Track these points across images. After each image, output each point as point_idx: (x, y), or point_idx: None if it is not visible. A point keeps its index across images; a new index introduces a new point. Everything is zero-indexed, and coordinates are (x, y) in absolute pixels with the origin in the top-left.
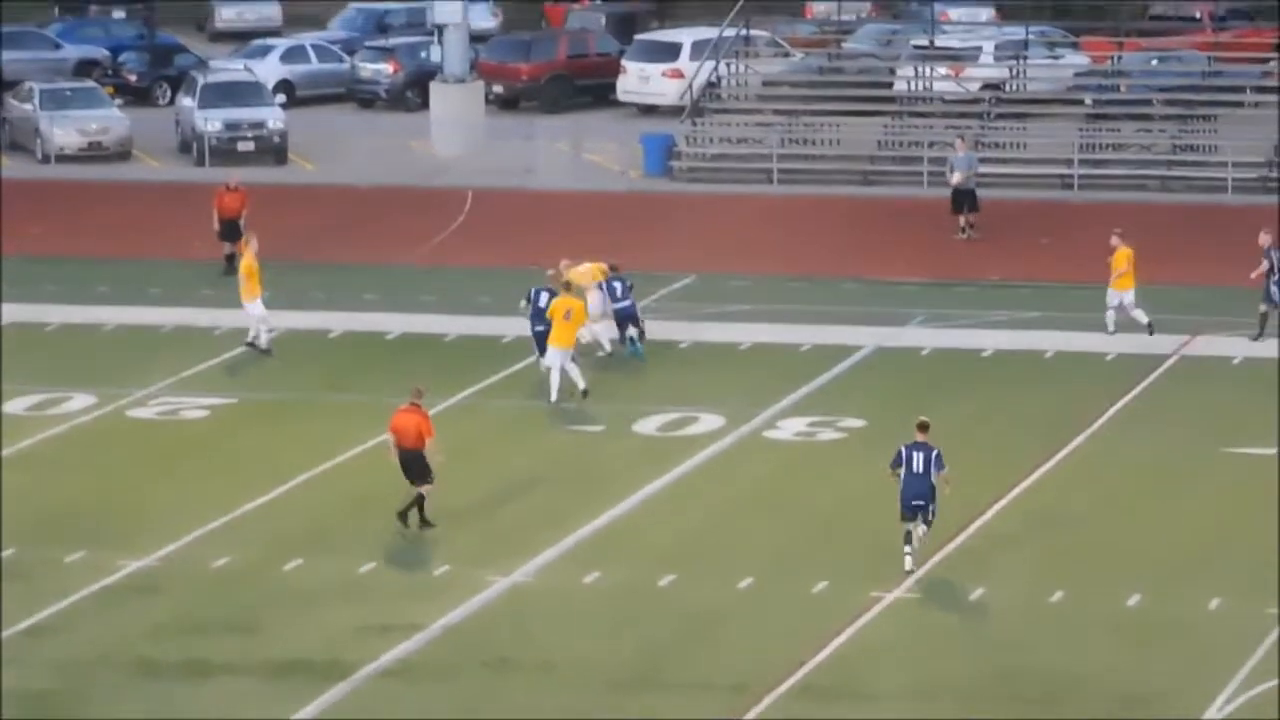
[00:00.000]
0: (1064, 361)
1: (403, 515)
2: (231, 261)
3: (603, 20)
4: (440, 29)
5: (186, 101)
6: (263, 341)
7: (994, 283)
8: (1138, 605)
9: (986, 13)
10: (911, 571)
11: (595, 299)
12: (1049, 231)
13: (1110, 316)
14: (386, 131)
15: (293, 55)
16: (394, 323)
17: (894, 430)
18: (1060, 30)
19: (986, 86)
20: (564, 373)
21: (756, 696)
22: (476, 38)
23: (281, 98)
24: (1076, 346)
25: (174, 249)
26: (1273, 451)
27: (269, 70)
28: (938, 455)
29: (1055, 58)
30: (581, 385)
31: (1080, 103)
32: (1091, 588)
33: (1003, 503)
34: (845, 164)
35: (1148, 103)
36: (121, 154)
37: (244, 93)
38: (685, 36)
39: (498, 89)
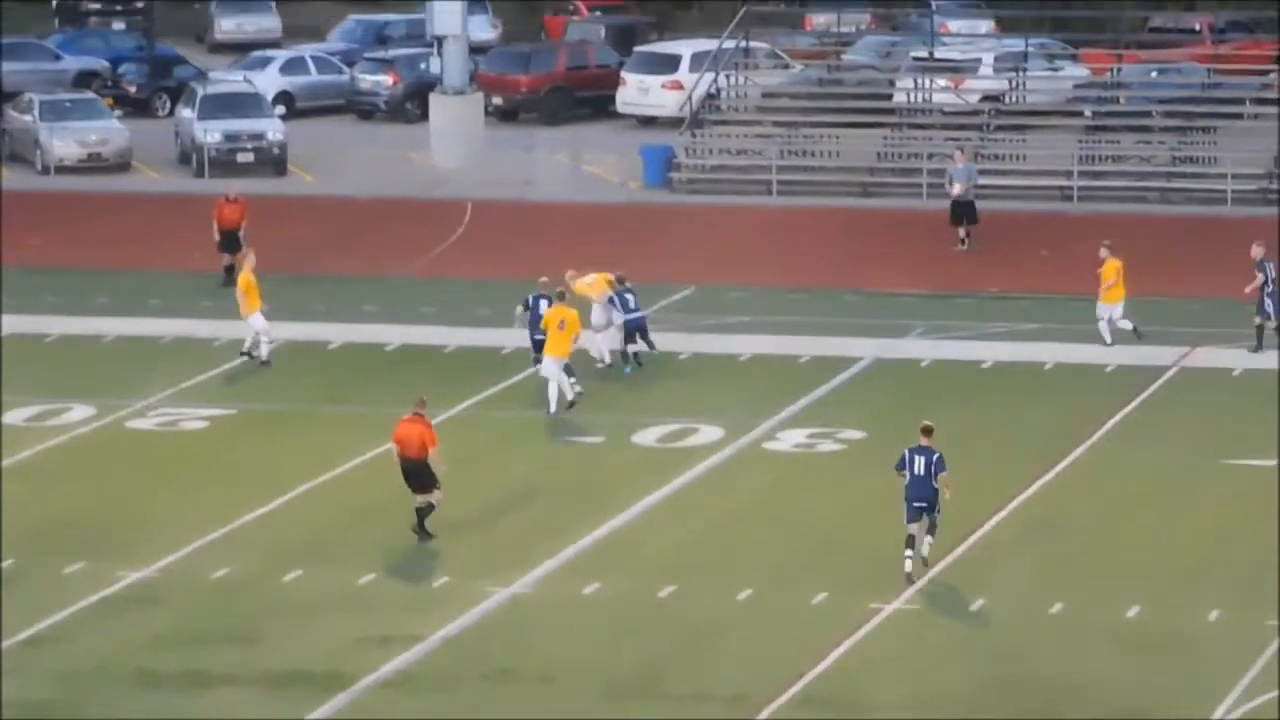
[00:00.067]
0: (1063, 373)
1: (418, 526)
2: (231, 273)
3: (602, 32)
4: (440, 40)
5: (186, 113)
6: (263, 353)
7: (993, 294)
8: (1138, 616)
9: (986, 25)
10: (911, 574)
11: (598, 309)
12: (1048, 243)
13: (1104, 328)
14: (386, 143)
15: (292, 67)
16: (393, 334)
17: (893, 442)
18: (1060, 42)
19: (986, 98)
20: (557, 382)
21: (756, 707)
22: (476, 49)
23: (281, 109)
24: (1076, 358)
25: (173, 260)
26: (1273, 463)
27: (268, 82)
28: (939, 458)
29: (1055, 70)
30: (569, 397)
31: (1080, 115)
32: (1091, 598)
33: (1003, 514)
34: (844, 175)
35: (1147, 114)
36: (121, 165)
37: (243, 104)
38: (685, 48)
39: (497, 101)
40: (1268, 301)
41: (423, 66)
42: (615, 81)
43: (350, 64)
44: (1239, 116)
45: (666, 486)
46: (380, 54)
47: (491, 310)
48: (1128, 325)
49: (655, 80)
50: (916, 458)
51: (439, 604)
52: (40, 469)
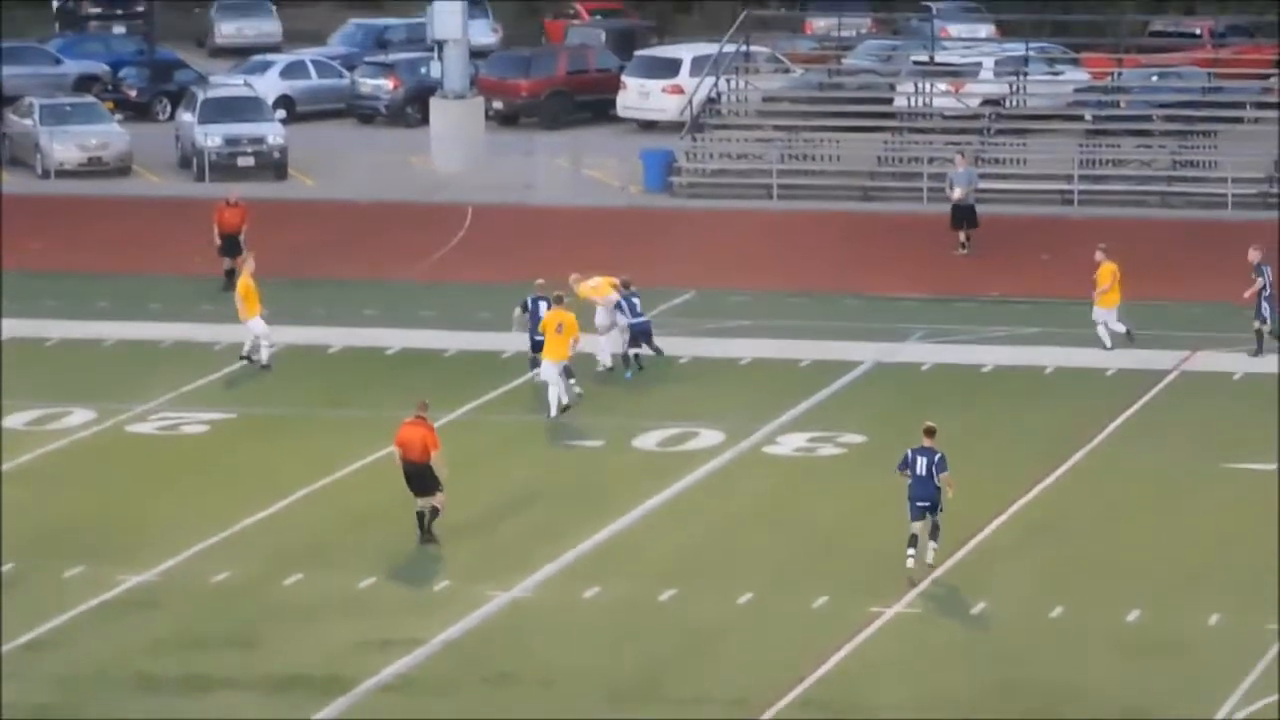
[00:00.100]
0: (1064, 377)
1: (428, 532)
2: (231, 277)
3: (603, 36)
4: (440, 45)
5: (186, 117)
6: (263, 357)
7: (994, 298)
8: (1138, 620)
9: (986, 29)
10: (914, 571)
11: (601, 312)
12: (1049, 247)
13: (1102, 332)
14: (386, 147)
15: (293, 71)
16: (394, 338)
17: (894, 445)
18: (1060, 46)
19: (986, 102)
20: (557, 386)
21: (757, 711)
22: (476, 53)
23: (281, 113)
24: (1076, 362)
25: (174, 264)
26: (1273, 467)
27: (269, 86)
28: (941, 458)
29: (1055, 74)
30: (565, 400)
31: (1080, 119)
32: (1092, 602)
33: (1003, 517)
34: (845, 179)
35: (1148, 119)
36: (121, 169)
37: (244, 108)
38: (685, 52)
39: (498, 105)
40: (1265, 305)
41: (423, 71)
42: (616, 86)
43: (351, 68)
44: (1239, 120)
45: (667, 490)
46: (381, 58)
47: (492, 314)
48: (1121, 329)
49: (656, 84)
50: (919, 458)
51: (439, 608)
52: (40, 473)
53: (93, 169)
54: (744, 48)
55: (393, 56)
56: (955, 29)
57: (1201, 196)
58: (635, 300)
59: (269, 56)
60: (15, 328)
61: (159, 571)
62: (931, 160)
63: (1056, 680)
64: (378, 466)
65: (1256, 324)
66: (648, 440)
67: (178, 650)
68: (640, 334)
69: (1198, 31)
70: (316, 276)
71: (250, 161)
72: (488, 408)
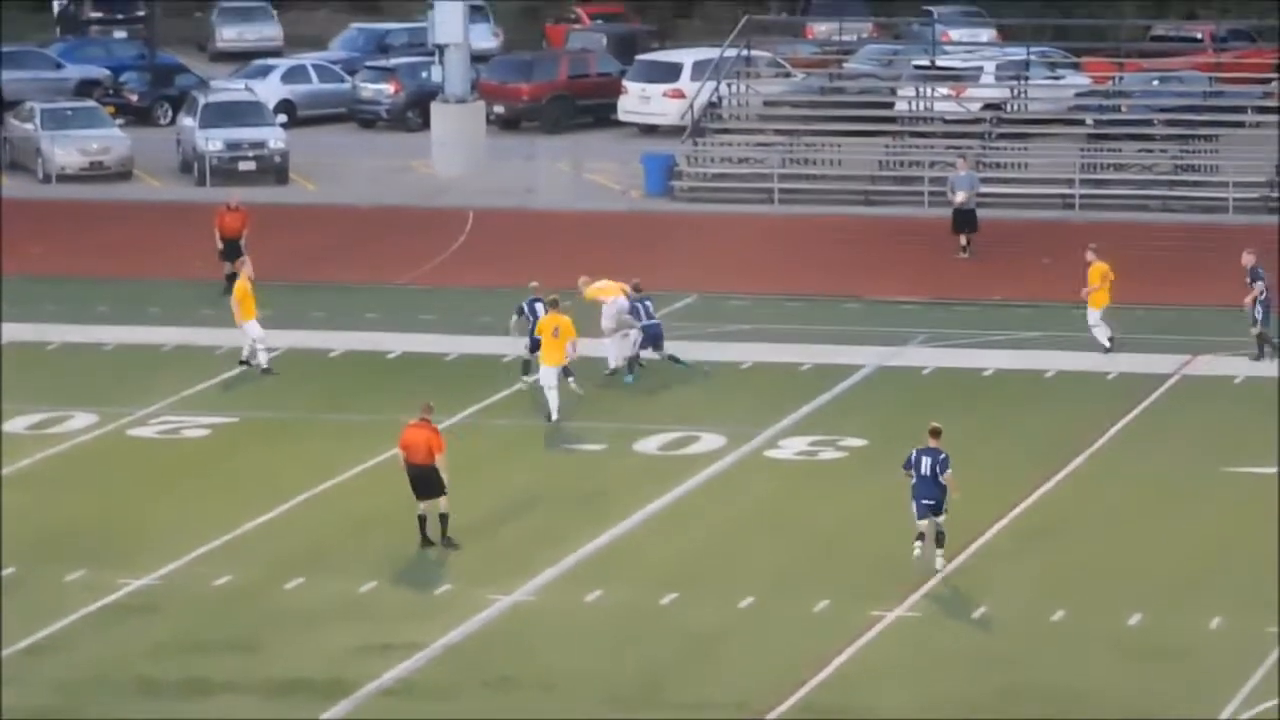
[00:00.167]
0: (1065, 381)
1: (446, 538)
2: (232, 281)
3: (604, 41)
4: (441, 49)
5: (188, 121)
6: (261, 360)
7: (995, 302)
8: (1139, 623)
9: (988, 33)
10: (919, 555)
11: (606, 314)
12: (1050, 251)
13: (1098, 333)
14: (387, 151)
15: (294, 75)
16: (395, 342)
17: (895, 449)
18: (1061, 51)
19: (988, 107)
20: (557, 390)
21: (758, 715)
22: (477, 58)
23: (283, 118)
24: (1077, 366)
25: (175, 268)
26: (1273, 471)
27: (270, 90)
28: (944, 459)
29: (1056, 78)
30: (551, 406)
31: (1081, 123)
32: (1093, 606)
33: (1004, 521)
34: (846, 184)
35: (1149, 123)
36: (123, 174)
37: (245, 112)
38: (686, 57)
39: (499, 109)
40: (1258, 309)
41: (424, 75)
42: (617, 90)
43: (352, 72)
44: (1240, 125)
45: (668, 494)
46: (382, 62)
47: (493, 318)
48: (1105, 331)
49: (657, 89)
50: (924, 458)
51: (440, 612)
52: (41, 477)
53: (94, 173)
54: (745, 52)
55: (394, 61)
56: (956, 33)
57: (1202, 201)
58: (649, 303)
59: (270, 61)
60: (16, 332)
61: (160, 575)
62: (932, 164)
63: (1058, 684)
64: (379, 471)
65: (1256, 328)
66: (649, 444)
67: (178, 654)
68: (653, 337)
69: (1199, 36)
70: (317, 281)
71: (251, 166)
72: (489, 412)
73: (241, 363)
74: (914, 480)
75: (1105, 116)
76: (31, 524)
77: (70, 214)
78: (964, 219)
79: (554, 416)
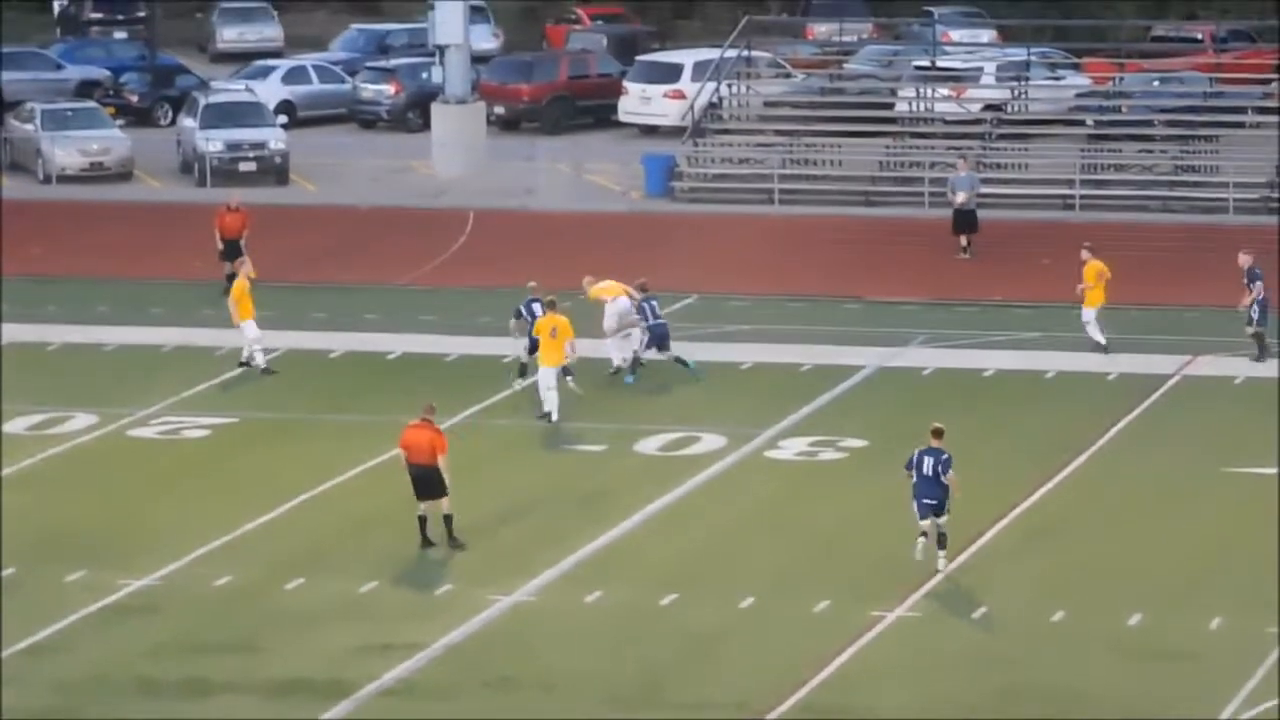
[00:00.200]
0: (1065, 381)
1: (452, 539)
2: (232, 281)
3: (604, 41)
4: (442, 50)
5: (188, 122)
6: (259, 361)
7: (995, 303)
8: (1139, 624)
9: (988, 34)
10: (922, 548)
11: (609, 314)
12: (1050, 252)
13: (1093, 331)
14: (388, 152)
15: (294, 76)
16: (395, 343)
17: (896, 450)
18: (1061, 51)
19: (988, 107)
20: (556, 390)
21: (758, 715)
22: (478, 59)
23: (283, 118)
24: (1077, 366)
25: (175, 269)
26: (1274, 471)
27: (270, 91)
28: (946, 459)
29: (1057, 79)
30: (548, 407)
31: (1082, 124)
32: (1093, 606)
33: (1004, 522)
34: (847, 185)
35: (1149, 124)
36: (123, 174)
37: (245, 113)
38: (687, 58)
39: (499, 110)
40: (1255, 309)
41: (424, 76)
42: (617, 91)
43: (352, 73)
44: (1241, 125)
45: (668, 495)
46: (382, 63)
47: (493, 319)
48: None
49: (657, 89)
50: (925, 459)
51: (441, 612)
52: (42, 477)
53: (94, 174)
54: (745, 53)
55: (394, 61)
56: (956, 34)
57: (1203, 201)
58: (655, 303)
59: (270, 62)
60: (16, 332)
61: (160, 576)
62: (933, 165)
63: (1058, 684)
64: (379, 471)
65: (1254, 329)
66: (649, 445)
67: (178, 655)
68: (659, 338)
69: (1199, 36)
70: (318, 281)
71: (252, 166)
72: (489, 412)
73: (241, 364)
74: (914, 481)
75: (1105, 117)
76: (31, 524)
77: (70, 214)
78: (964, 219)
79: (554, 417)
